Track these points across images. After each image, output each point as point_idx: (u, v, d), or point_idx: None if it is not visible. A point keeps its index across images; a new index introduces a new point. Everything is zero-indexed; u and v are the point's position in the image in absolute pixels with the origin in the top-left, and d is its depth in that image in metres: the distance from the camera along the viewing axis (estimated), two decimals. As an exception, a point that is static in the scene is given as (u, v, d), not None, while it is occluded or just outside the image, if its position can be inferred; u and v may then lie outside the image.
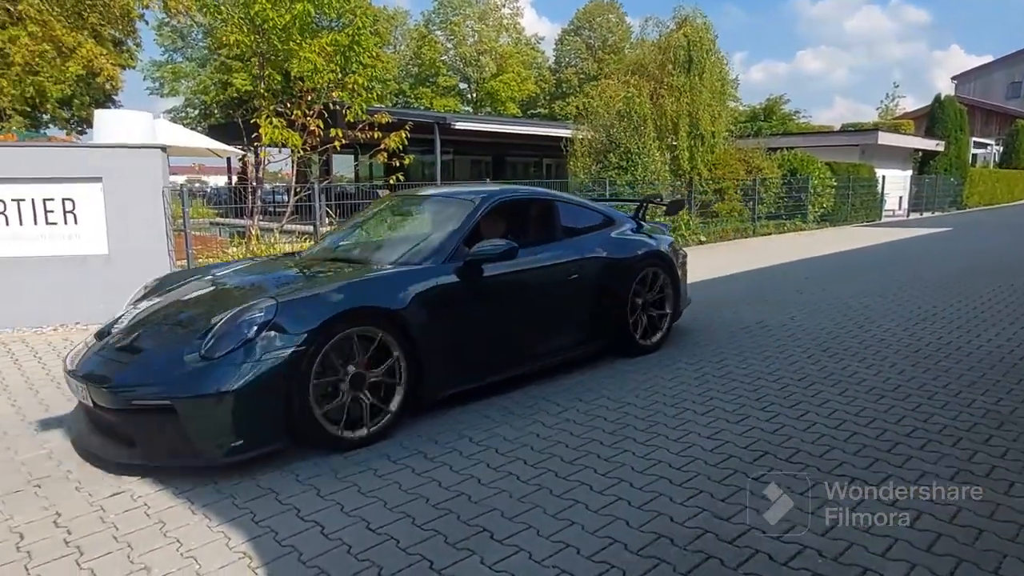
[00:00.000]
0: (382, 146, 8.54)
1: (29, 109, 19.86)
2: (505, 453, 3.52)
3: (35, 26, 11.95)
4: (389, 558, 2.57)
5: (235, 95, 28.74)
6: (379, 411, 3.70)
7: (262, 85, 8.35)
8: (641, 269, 5.25)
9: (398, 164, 9.17)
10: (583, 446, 3.59)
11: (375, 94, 9.69)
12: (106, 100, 24.63)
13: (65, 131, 25.21)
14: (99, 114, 7.69)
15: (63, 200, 6.67)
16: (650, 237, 5.55)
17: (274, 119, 7.77)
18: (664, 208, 6.58)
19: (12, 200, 6.51)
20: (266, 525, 2.84)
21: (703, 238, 14.45)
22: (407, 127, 8.82)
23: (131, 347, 3.60)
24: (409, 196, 5.77)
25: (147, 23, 21.54)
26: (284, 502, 3.04)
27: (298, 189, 8.92)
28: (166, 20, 29.23)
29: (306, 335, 3.33)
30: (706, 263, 11.28)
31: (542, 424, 3.92)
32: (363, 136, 8.51)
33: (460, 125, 18.96)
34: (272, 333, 3.31)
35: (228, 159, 23.68)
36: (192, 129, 22.98)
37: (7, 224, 6.56)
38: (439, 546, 2.65)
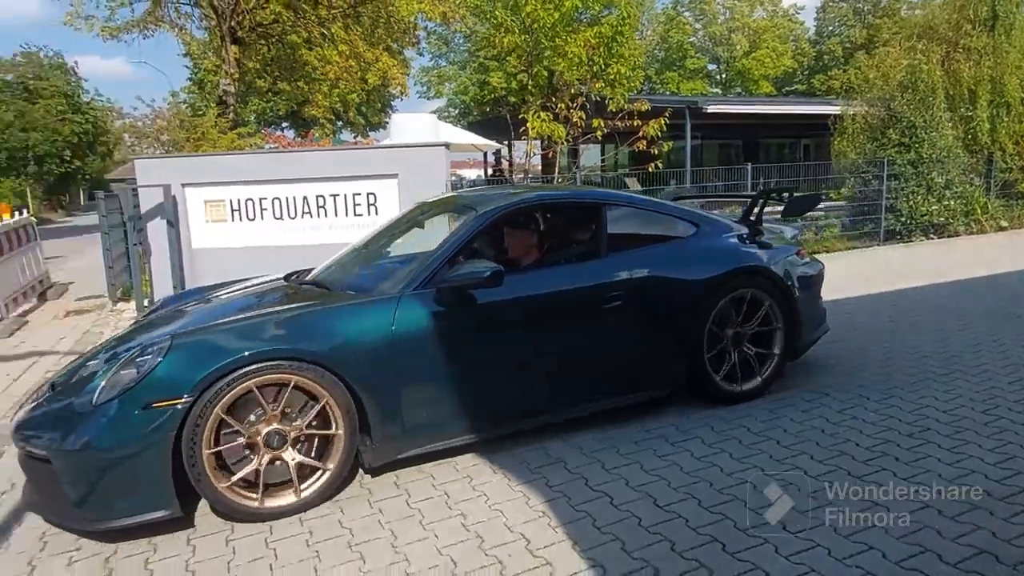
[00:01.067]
0: (640, 134, 8.62)
1: (333, 117, 23.26)
2: (788, 446, 3.42)
3: (344, 45, 14.09)
4: (679, 534, 2.66)
5: (492, 94, 30.73)
6: (313, 470, 3.09)
7: (529, 82, 8.92)
8: (728, 291, 3.94)
9: (655, 152, 9.16)
10: (877, 446, 3.35)
11: (636, 82, 9.80)
12: (388, 105, 27.85)
13: (354, 135, 29.04)
14: (395, 118, 8.79)
15: (367, 194, 7.74)
16: (758, 247, 4.19)
17: (541, 113, 8.23)
18: (784, 206, 4.59)
19: (330, 195, 7.70)
20: (559, 490, 3.09)
21: (1004, 223, 12.39)
22: (666, 113, 8.79)
23: (64, 383, 3.23)
24: (433, 203, 4.90)
25: (428, 33, 23.93)
26: (572, 471, 3.28)
27: (560, 179, 9.38)
28: (433, 28, 32.17)
29: (197, 384, 2.78)
30: (1012, 254, 9.71)
31: (826, 419, 3.73)
32: (622, 125, 8.66)
33: (712, 108, 18.34)
34: (158, 380, 2.80)
35: (484, 153, 25.52)
36: (453, 127, 25.09)
37: (325, 215, 7.79)
38: (729, 530, 2.67)
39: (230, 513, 2.97)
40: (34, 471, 2.94)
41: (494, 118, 21.07)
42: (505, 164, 22.88)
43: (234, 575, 2.63)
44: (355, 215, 7.86)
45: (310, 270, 4.27)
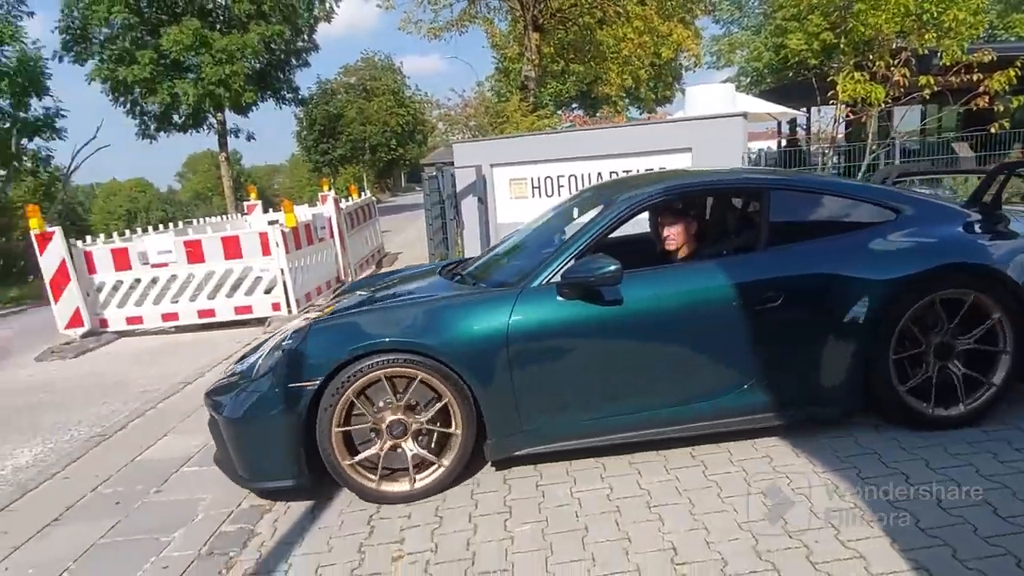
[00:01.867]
0: (981, 89, 7.31)
1: (623, 95, 23.67)
2: None
3: (639, 21, 14.28)
4: (1022, 547, 2.31)
5: (794, 57, 28.52)
6: (431, 463, 3.17)
7: (842, 39, 8.09)
8: (927, 294, 3.14)
9: (998, 109, 7.71)
10: None
11: (978, 30, 8.34)
12: (676, 79, 27.42)
13: (641, 111, 29.16)
14: (690, 90, 8.65)
15: (660, 169, 7.74)
16: (989, 238, 3.31)
17: (855, 74, 7.41)
18: None
19: (623, 171, 7.84)
20: (873, 483, 2.86)
21: None
22: (1017, 63, 7.32)
23: (246, 356, 3.68)
24: (592, 188, 4.48)
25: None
26: (889, 465, 3.01)
27: (874, 147, 8.40)
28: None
29: (326, 370, 2.99)
30: None
31: None
32: (956, 81, 7.42)
33: (1081, 51, 14.78)
34: (295, 363, 3.05)
35: (778, 123, 23.75)
36: (748, 96, 23.73)
37: (618, 191, 8.00)
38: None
39: (355, 492, 3.18)
40: (214, 432, 3.37)
41: (791, 84, 19.51)
42: (801, 133, 21.12)
43: (544, 515, 2.91)
44: (646, 190, 7.94)
45: (460, 261, 4.35)
